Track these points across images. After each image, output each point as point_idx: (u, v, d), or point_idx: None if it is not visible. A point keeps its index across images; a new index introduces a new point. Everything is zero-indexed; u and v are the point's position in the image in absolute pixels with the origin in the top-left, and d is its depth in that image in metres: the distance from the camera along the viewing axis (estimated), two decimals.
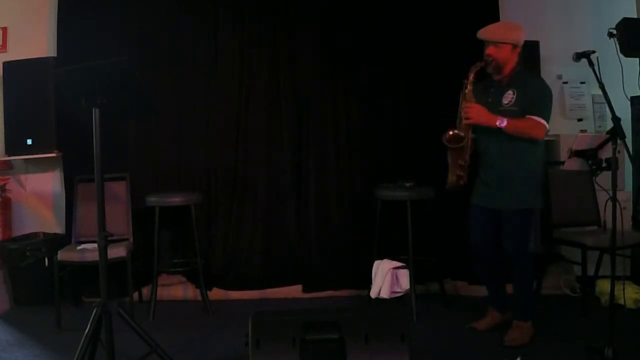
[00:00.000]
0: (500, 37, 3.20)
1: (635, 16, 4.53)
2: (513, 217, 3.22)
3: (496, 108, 3.22)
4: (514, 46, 3.22)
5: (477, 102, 3.24)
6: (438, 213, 4.12)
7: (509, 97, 3.22)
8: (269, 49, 4.52)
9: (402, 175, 4.17)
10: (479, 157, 3.37)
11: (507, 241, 3.24)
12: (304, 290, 4.40)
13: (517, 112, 3.16)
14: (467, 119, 3.18)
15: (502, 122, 3.11)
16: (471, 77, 3.21)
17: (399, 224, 3.90)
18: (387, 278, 3.75)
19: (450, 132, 3.20)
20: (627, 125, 4.07)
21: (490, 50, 3.23)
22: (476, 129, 3.25)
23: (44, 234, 4.48)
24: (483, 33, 3.24)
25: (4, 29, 4.57)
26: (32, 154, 4.35)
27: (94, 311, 2.57)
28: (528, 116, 3.13)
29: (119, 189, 4.24)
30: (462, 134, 3.19)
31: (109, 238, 2.66)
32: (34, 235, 4.46)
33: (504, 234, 3.25)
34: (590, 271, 3.96)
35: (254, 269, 4.46)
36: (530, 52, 4.58)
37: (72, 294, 4.16)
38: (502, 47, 3.20)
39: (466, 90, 3.22)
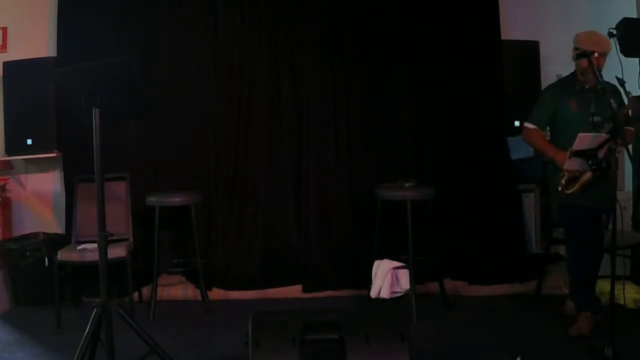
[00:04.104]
0: None
1: (635, 16, 4.53)
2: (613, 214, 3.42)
3: (603, 115, 3.34)
4: None
5: (580, 106, 3.40)
6: (438, 213, 4.12)
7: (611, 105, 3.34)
8: (269, 49, 4.52)
9: (402, 175, 4.18)
10: None
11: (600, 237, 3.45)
12: (304, 290, 4.40)
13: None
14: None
15: None
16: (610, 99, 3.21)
17: (399, 224, 3.90)
18: (387, 278, 3.75)
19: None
20: None
21: (600, 61, 3.32)
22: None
23: (44, 234, 4.48)
24: (605, 47, 3.32)
25: (4, 29, 4.57)
26: (32, 154, 4.36)
27: (94, 311, 2.57)
28: (626, 127, 3.29)
29: (119, 189, 4.24)
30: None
31: (109, 238, 2.66)
32: (34, 235, 4.46)
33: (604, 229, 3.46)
34: None
35: (254, 269, 4.46)
36: (530, 52, 4.60)
37: (72, 294, 4.16)
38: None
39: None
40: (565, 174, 3.31)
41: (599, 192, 3.28)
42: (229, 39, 4.52)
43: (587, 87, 3.42)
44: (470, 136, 4.47)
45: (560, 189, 3.33)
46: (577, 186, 3.29)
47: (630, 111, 3.16)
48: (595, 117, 3.36)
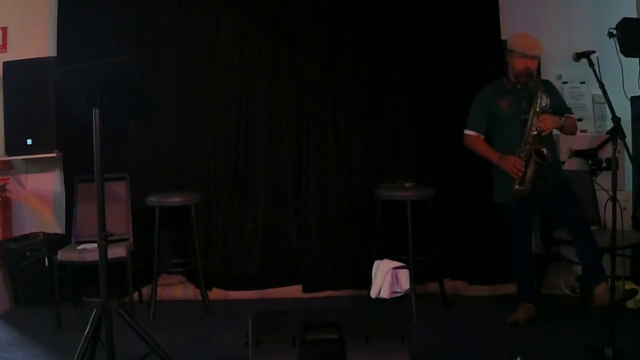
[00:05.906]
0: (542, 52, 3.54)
1: (635, 16, 4.53)
2: (569, 191, 3.53)
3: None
4: None
5: (511, 105, 3.50)
6: (438, 213, 4.12)
7: (544, 100, 3.45)
8: (269, 49, 4.52)
9: (402, 175, 4.17)
10: None
11: (573, 213, 3.49)
12: (304, 290, 4.40)
13: (551, 113, 3.44)
14: (545, 129, 3.37)
15: (562, 120, 3.41)
16: (540, 94, 3.38)
17: (399, 224, 3.90)
18: (387, 278, 3.75)
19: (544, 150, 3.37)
20: (627, 125, 4.07)
21: (534, 63, 3.48)
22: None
23: (44, 234, 4.47)
24: (540, 50, 3.48)
25: (4, 29, 4.57)
26: (32, 154, 4.35)
27: (94, 311, 2.57)
28: (567, 115, 3.48)
29: (119, 189, 4.24)
30: (544, 150, 3.35)
31: (109, 238, 2.66)
32: (34, 235, 4.46)
33: (567, 210, 3.49)
34: None
35: (254, 269, 4.46)
36: None
37: (72, 294, 4.16)
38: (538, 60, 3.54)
39: (538, 108, 3.38)
40: (515, 176, 3.41)
41: (545, 184, 3.39)
42: (229, 39, 4.51)
43: (518, 86, 3.50)
44: None
45: (517, 187, 3.40)
46: (525, 185, 3.38)
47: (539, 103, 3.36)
48: (525, 115, 3.42)
